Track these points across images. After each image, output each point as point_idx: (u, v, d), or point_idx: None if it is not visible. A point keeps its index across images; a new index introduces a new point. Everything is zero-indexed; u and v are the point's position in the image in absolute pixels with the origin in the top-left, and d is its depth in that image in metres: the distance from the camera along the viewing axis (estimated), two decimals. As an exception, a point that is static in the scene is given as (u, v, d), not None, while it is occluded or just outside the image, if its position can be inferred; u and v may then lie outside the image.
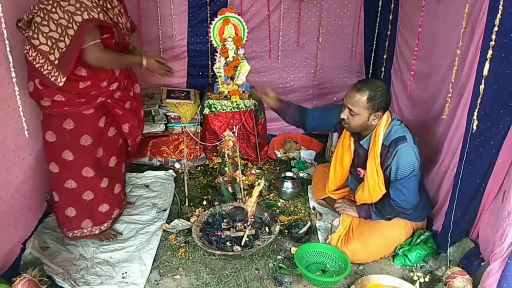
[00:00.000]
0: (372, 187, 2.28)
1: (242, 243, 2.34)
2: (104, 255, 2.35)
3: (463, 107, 2.12)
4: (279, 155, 3.58)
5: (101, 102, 2.23)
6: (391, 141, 2.15)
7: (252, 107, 3.34)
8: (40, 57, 2.01)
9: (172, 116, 3.40)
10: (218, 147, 3.28)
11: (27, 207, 2.33)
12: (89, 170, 2.30)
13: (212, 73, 3.68)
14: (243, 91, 3.44)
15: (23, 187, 2.28)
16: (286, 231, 2.58)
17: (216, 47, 3.42)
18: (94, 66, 2.13)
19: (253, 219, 2.50)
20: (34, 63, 2.02)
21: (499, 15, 1.75)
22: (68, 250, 2.37)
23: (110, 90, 2.25)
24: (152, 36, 3.48)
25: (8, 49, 2.02)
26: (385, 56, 3.38)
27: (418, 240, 2.32)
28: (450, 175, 2.23)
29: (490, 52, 1.82)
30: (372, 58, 3.73)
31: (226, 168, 3.17)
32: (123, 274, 2.20)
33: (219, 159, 3.23)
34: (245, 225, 2.47)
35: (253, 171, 3.35)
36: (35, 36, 1.98)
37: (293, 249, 2.34)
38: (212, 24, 3.35)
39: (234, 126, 3.11)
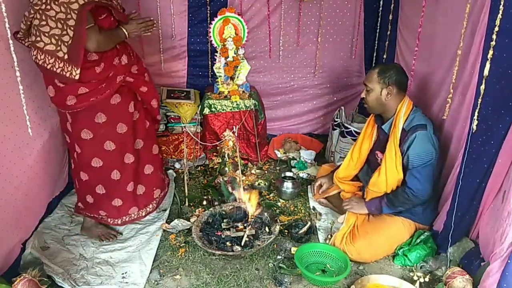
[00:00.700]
0: (390, 168, 2.29)
1: (242, 243, 2.34)
2: (104, 255, 2.35)
3: (467, 107, 2.12)
4: (279, 155, 3.58)
5: (121, 82, 2.24)
6: (411, 127, 2.22)
7: (252, 107, 3.34)
8: (49, 58, 2.00)
9: (172, 116, 3.40)
10: (218, 147, 3.29)
11: (27, 207, 2.33)
12: (130, 156, 2.36)
13: (212, 73, 3.68)
14: (243, 91, 3.44)
15: (23, 187, 2.28)
16: (286, 231, 2.58)
17: (216, 47, 3.42)
18: (94, 50, 2.12)
19: (253, 219, 2.50)
20: (45, 65, 2.02)
21: (499, 15, 1.75)
22: (68, 250, 2.37)
23: (124, 65, 2.25)
24: (152, 36, 3.47)
25: (12, 48, 2.02)
26: (385, 56, 3.38)
27: (418, 240, 2.32)
28: (453, 175, 2.23)
29: (491, 52, 1.82)
30: (372, 58, 3.73)
31: (226, 168, 3.17)
32: (123, 274, 2.20)
33: (219, 159, 3.23)
34: (245, 225, 2.47)
35: (253, 171, 3.35)
36: (38, 39, 1.98)
37: (293, 249, 2.34)
38: (212, 24, 3.35)
39: (234, 126, 3.11)
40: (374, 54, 3.70)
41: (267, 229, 2.48)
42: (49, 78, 2.12)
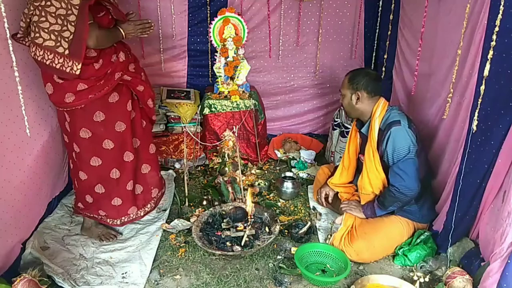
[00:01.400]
0: (370, 169, 2.35)
1: (242, 243, 2.34)
2: (104, 255, 2.35)
3: (466, 107, 2.12)
4: (279, 155, 3.58)
5: (119, 79, 2.24)
6: (386, 125, 2.28)
7: (252, 107, 3.34)
8: (48, 53, 2.00)
9: (172, 116, 3.40)
10: (218, 147, 3.28)
11: (27, 207, 2.33)
12: (130, 154, 2.36)
13: (212, 73, 3.68)
14: (243, 91, 3.44)
15: (23, 187, 2.28)
16: (286, 231, 2.58)
17: (216, 47, 3.42)
18: (93, 47, 2.12)
19: (253, 219, 2.50)
20: (44, 60, 2.01)
21: (500, 15, 1.75)
22: (68, 250, 2.37)
23: (121, 62, 2.25)
24: (152, 36, 3.48)
25: (11, 48, 2.02)
26: (385, 56, 3.38)
27: (418, 240, 2.32)
28: (453, 175, 2.23)
29: (491, 52, 1.81)
30: (372, 58, 3.73)
31: (226, 168, 3.17)
32: (123, 274, 2.20)
33: (219, 159, 3.23)
34: (245, 225, 2.47)
35: (253, 171, 3.36)
36: (38, 35, 1.98)
37: (293, 249, 2.34)
38: (212, 24, 3.35)
39: (234, 126, 3.11)
40: (374, 54, 3.70)
41: (267, 229, 2.48)
42: (48, 75, 2.12)
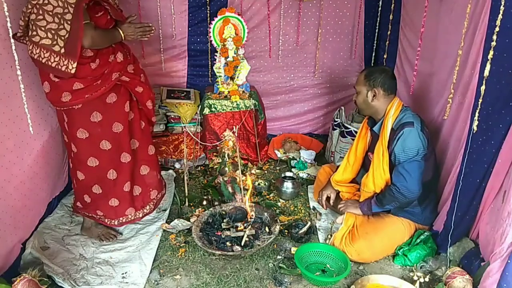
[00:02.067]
0: (377, 168, 2.34)
1: (242, 243, 2.34)
2: (104, 255, 2.35)
3: (467, 107, 2.12)
4: (279, 155, 3.58)
5: (117, 79, 2.23)
6: (399, 125, 2.26)
7: (252, 107, 3.34)
8: (44, 52, 2.00)
9: (172, 116, 3.40)
10: (218, 147, 3.28)
11: (27, 207, 2.33)
12: (127, 155, 2.36)
13: (212, 73, 3.68)
14: (243, 91, 3.44)
15: (23, 187, 2.28)
16: (286, 231, 2.58)
17: (216, 47, 3.42)
18: (88, 47, 2.11)
19: (253, 219, 2.50)
20: (40, 59, 2.01)
21: (500, 16, 1.75)
22: (68, 250, 2.37)
23: (119, 63, 2.24)
24: (152, 36, 3.47)
25: (13, 47, 2.01)
26: (385, 56, 3.38)
27: (418, 240, 2.32)
28: (453, 175, 2.23)
29: (491, 53, 1.81)
30: (372, 58, 3.73)
31: (226, 168, 3.17)
32: (123, 274, 2.20)
33: (219, 159, 3.23)
34: (245, 225, 2.47)
35: (253, 171, 3.36)
36: (35, 33, 1.98)
37: (293, 249, 2.34)
38: (212, 24, 3.35)
39: (234, 126, 3.11)
40: (373, 54, 3.70)
41: (267, 229, 2.48)
42: (45, 73, 2.12)
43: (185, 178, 2.93)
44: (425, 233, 2.34)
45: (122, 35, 2.25)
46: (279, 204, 2.93)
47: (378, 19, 3.55)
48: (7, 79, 2.09)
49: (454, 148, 2.30)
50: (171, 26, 3.49)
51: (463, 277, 1.97)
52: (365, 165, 2.58)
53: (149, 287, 2.13)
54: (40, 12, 1.95)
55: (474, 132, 1.95)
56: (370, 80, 2.33)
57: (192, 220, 2.66)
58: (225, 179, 3.03)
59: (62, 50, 2.01)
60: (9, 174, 2.15)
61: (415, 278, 2.13)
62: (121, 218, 2.45)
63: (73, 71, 2.05)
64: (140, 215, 2.53)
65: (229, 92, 3.40)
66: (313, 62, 3.77)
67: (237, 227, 2.46)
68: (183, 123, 3.32)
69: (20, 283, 1.82)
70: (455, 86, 2.28)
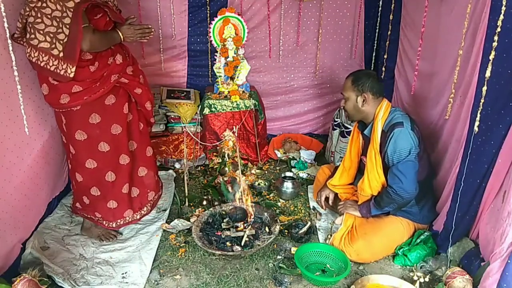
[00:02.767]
0: (371, 172, 2.34)
1: (242, 243, 2.34)
2: (104, 255, 2.35)
3: (467, 107, 2.11)
4: (279, 155, 3.58)
5: (116, 81, 2.23)
6: (389, 127, 2.25)
7: (252, 107, 3.34)
8: (43, 55, 1.99)
9: (172, 116, 3.40)
10: (218, 147, 3.28)
11: (27, 207, 2.33)
12: (126, 157, 2.35)
13: (212, 73, 3.68)
14: (243, 91, 3.44)
15: (23, 187, 2.28)
16: (286, 231, 2.58)
17: (216, 47, 3.42)
18: (87, 50, 2.11)
19: (253, 219, 2.50)
20: (39, 62, 2.01)
21: (501, 16, 1.75)
22: (68, 250, 2.37)
23: (118, 65, 2.24)
24: (152, 37, 3.47)
25: (10, 48, 2.01)
26: (386, 56, 3.38)
27: (418, 240, 2.32)
28: (453, 175, 2.23)
29: (493, 53, 1.81)
30: (372, 58, 3.73)
31: (226, 168, 3.17)
32: (123, 274, 2.20)
33: (219, 159, 3.23)
34: (245, 225, 2.47)
35: (253, 171, 3.36)
36: (33, 36, 1.97)
37: (293, 249, 2.34)
38: (212, 24, 3.35)
39: (234, 126, 3.11)
40: (374, 54, 3.70)
41: (267, 229, 2.48)
42: (43, 76, 2.11)
43: (185, 178, 2.93)
44: (425, 233, 2.34)
45: (121, 36, 2.24)
46: (279, 204, 2.93)
47: (378, 19, 3.54)
48: (8, 79, 2.09)
49: (454, 148, 2.30)
50: (171, 26, 3.49)
51: (463, 277, 1.97)
52: (361, 169, 2.58)
53: (149, 287, 2.13)
54: (39, 15, 1.94)
55: (475, 133, 1.94)
56: (359, 85, 2.32)
57: (192, 220, 2.66)
58: (225, 179, 3.03)
59: (61, 54, 2.00)
60: (9, 174, 2.15)
61: (415, 278, 2.13)
62: (119, 221, 2.44)
63: (71, 75, 2.04)
64: (138, 217, 2.53)
65: (229, 92, 3.40)
66: (313, 62, 3.77)
67: (237, 227, 2.46)
68: (183, 123, 3.32)
69: (20, 283, 1.82)
70: (456, 86, 2.28)
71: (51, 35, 1.97)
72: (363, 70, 2.35)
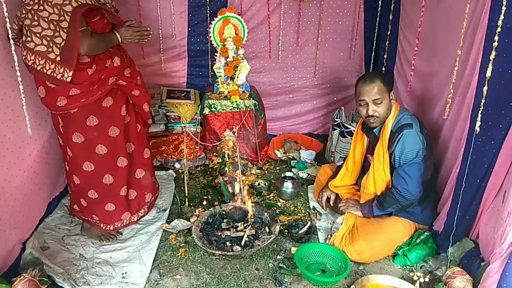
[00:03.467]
0: (378, 170, 2.33)
1: (242, 243, 2.34)
2: (104, 255, 2.35)
3: (467, 107, 2.11)
4: (279, 155, 3.58)
5: (113, 84, 2.22)
6: (398, 127, 2.25)
7: (252, 107, 3.34)
8: (39, 59, 1.97)
9: (172, 116, 3.40)
10: (218, 147, 3.29)
11: (27, 207, 2.33)
12: (123, 159, 2.34)
13: (212, 73, 3.68)
14: (243, 91, 3.44)
15: (23, 187, 2.28)
16: (286, 231, 2.58)
17: (216, 47, 3.42)
18: (85, 54, 2.10)
19: (253, 219, 2.50)
20: (35, 66, 1.98)
21: (502, 16, 1.75)
22: (68, 250, 2.37)
23: (116, 67, 2.23)
24: (152, 36, 3.47)
25: (12, 48, 2.00)
26: (385, 56, 3.38)
27: (418, 240, 2.32)
28: (453, 175, 2.23)
29: (493, 53, 1.81)
30: (372, 58, 3.73)
31: (226, 168, 3.17)
32: (123, 274, 2.20)
33: (219, 159, 3.23)
34: (245, 225, 2.47)
35: (253, 171, 3.36)
36: (29, 39, 1.94)
37: (293, 249, 2.34)
38: (212, 24, 3.35)
39: (234, 126, 3.11)
40: (373, 54, 3.70)
41: (267, 229, 2.48)
42: (40, 78, 2.09)
43: (185, 178, 2.93)
44: (425, 233, 2.34)
45: (119, 38, 2.23)
46: (279, 204, 2.93)
47: (378, 19, 3.55)
48: (9, 79, 2.09)
49: (454, 148, 2.30)
50: (171, 26, 3.48)
51: (463, 277, 1.97)
52: (365, 168, 2.57)
53: (149, 287, 2.13)
54: (35, 18, 1.93)
55: (476, 133, 1.94)
56: (389, 84, 2.31)
57: (192, 220, 2.66)
58: (225, 179, 3.03)
59: (58, 58, 1.98)
60: (9, 174, 2.15)
61: (415, 278, 2.13)
62: (116, 223, 2.44)
63: (69, 79, 2.02)
64: (135, 219, 2.53)
65: (229, 92, 3.40)
66: (313, 62, 3.77)
67: (237, 227, 2.46)
68: (183, 123, 3.32)
69: (20, 283, 1.82)
70: (455, 86, 2.28)
71: (48, 39, 1.95)
72: (373, 71, 2.28)
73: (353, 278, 2.17)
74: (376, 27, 3.58)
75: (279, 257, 2.36)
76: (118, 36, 2.23)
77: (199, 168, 3.44)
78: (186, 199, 2.89)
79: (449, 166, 2.34)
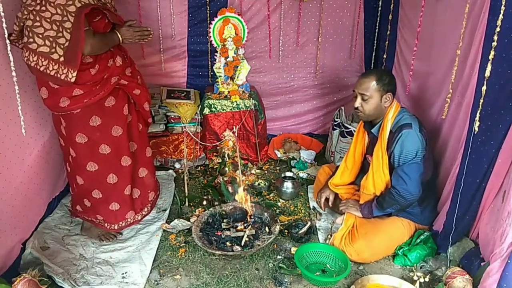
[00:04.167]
0: (376, 171, 2.33)
1: (242, 243, 2.34)
2: (104, 255, 2.35)
3: (466, 107, 2.12)
4: (279, 155, 3.58)
5: (116, 83, 2.23)
6: (397, 127, 2.24)
7: (252, 107, 3.34)
8: (42, 60, 1.96)
9: (172, 116, 3.40)
10: (218, 147, 3.29)
11: (27, 207, 2.33)
12: (127, 158, 2.35)
13: (212, 73, 3.68)
14: (243, 91, 3.44)
15: (23, 187, 2.28)
16: (286, 231, 2.58)
17: (216, 47, 3.42)
18: (87, 54, 2.10)
19: (253, 219, 2.50)
20: (38, 67, 1.97)
21: (501, 16, 1.75)
22: (68, 250, 2.37)
23: (118, 67, 2.24)
24: (152, 36, 3.47)
25: (8, 48, 2.00)
26: (385, 56, 3.38)
27: (418, 240, 2.32)
28: (453, 175, 2.23)
29: (492, 53, 1.81)
30: (372, 58, 3.73)
31: (226, 168, 3.17)
32: (123, 274, 2.20)
33: (219, 159, 3.23)
34: (245, 225, 2.47)
35: (253, 171, 3.36)
36: (31, 40, 1.93)
37: (293, 249, 2.34)
38: (212, 24, 3.35)
39: (234, 126, 3.11)
40: (373, 54, 3.70)
41: (267, 229, 2.48)
42: (43, 79, 2.09)
43: (185, 178, 2.93)
44: (425, 233, 2.34)
45: (120, 38, 2.24)
46: (279, 204, 2.93)
47: (378, 19, 3.55)
48: (9, 79, 2.09)
49: (453, 148, 2.30)
50: (171, 26, 3.48)
51: (463, 277, 1.97)
52: (364, 168, 2.57)
53: (149, 287, 2.13)
54: (37, 18, 1.92)
55: (475, 133, 1.94)
56: (384, 85, 2.26)
57: (192, 220, 2.67)
58: (225, 179, 3.03)
59: (61, 59, 1.98)
60: (9, 174, 2.15)
61: (415, 278, 2.13)
62: (120, 222, 2.45)
63: (73, 79, 2.02)
64: (139, 218, 2.53)
65: (229, 92, 3.40)
66: (313, 62, 3.77)
67: (237, 227, 2.46)
68: (183, 123, 3.32)
69: (20, 283, 1.82)
70: (454, 86, 2.28)
71: (51, 39, 1.95)
72: (378, 69, 2.24)
73: (353, 278, 2.17)
74: (376, 27, 3.58)
75: (279, 257, 2.36)
76: (119, 35, 2.23)
77: (199, 168, 3.44)
78: (186, 199, 2.89)
79: (449, 166, 2.34)
